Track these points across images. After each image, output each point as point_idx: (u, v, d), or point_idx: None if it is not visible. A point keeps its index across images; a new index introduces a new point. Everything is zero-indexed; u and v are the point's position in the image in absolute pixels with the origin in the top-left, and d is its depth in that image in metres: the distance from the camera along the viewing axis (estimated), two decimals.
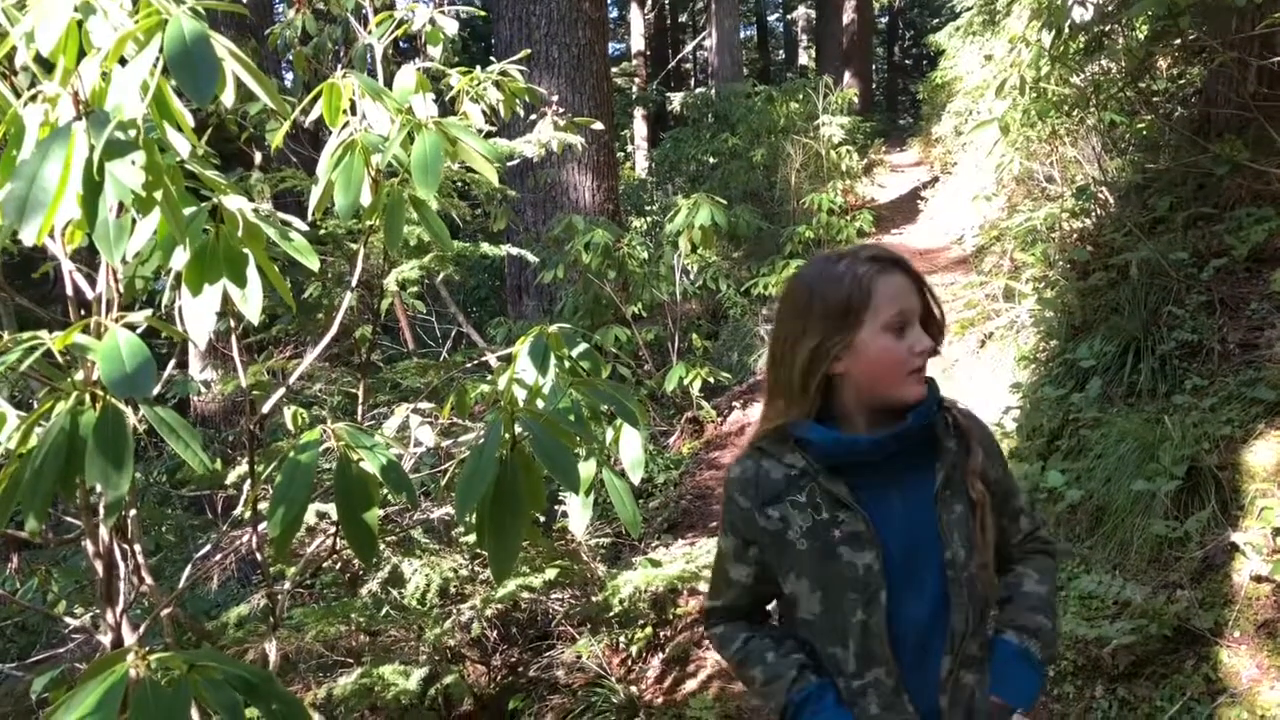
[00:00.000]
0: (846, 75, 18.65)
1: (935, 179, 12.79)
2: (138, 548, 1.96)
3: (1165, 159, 5.83)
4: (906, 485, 1.59)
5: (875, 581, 1.54)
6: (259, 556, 2.18)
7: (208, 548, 2.69)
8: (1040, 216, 6.46)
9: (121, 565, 1.91)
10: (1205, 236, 4.96)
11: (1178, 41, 5.87)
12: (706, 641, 4.32)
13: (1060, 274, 5.88)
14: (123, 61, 1.41)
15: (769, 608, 1.79)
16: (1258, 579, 3.34)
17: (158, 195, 1.37)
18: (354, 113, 1.90)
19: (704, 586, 4.46)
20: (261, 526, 2.13)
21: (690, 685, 4.06)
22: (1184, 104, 6.17)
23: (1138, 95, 6.09)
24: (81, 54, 1.49)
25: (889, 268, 1.56)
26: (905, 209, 12.23)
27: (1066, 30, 5.60)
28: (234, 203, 1.64)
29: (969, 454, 1.61)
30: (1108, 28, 5.89)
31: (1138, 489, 3.80)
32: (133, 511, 1.93)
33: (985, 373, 6.06)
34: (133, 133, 1.32)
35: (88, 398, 1.34)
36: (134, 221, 1.50)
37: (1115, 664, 3.37)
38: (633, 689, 3.95)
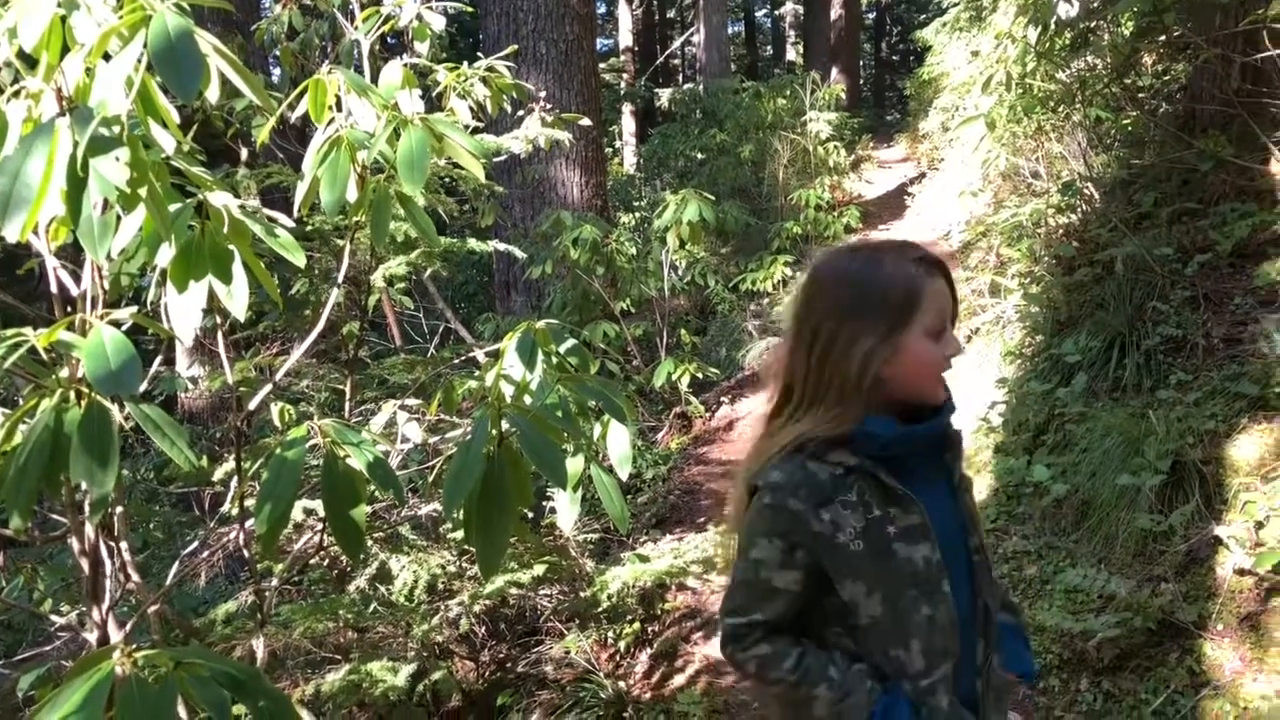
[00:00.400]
0: (834, 71, 18.65)
1: (922, 175, 12.80)
2: (124, 545, 1.95)
3: (1150, 155, 5.86)
4: (930, 479, 1.62)
5: (936, 572, 1.52)
6: (246, 553, 2.17)
7: (195, 545, 2.68)
8: (1026, 212, 6.48)
9: (108, 563, 1.91)
10: (1190, 232, 4.98)
11: (1163, 38, 5.89)
12: (695, 637, 4.33)
13: (1046, 269, 5.90)
14: (106, 57, 1.40)
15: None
16: (1240, 572, 3.36)
17: (142, 192, 1.37)
18: (340, 109, 1.90)
19: (693, 582, 4.48)
20: (249, 523, 2.12)
21: (678, 680, 4.06)
22: (1169, 100, 6.20)
23: (1123, 91, 6.11)
24: (65, 50, 1.48)
25: (934, 270, 1.54)
26: (892, 205, 12.25)
27: (1052, 26, 5.62)
28: (219, 199, 1.63)
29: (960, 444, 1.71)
30: (1093, 24, 5.91)
31: (1123, 483, 3.82)
32: (119, 509, 1.93)
33: (971, 368, 6.08)
34: (117, 129, 1.32)
35: (73, 395, 1.34)
36: (119, 218, 1.50)
37: (1100, 657, 3.39)
38: (621, 684, 3.96)
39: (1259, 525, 3.38)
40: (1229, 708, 3.02)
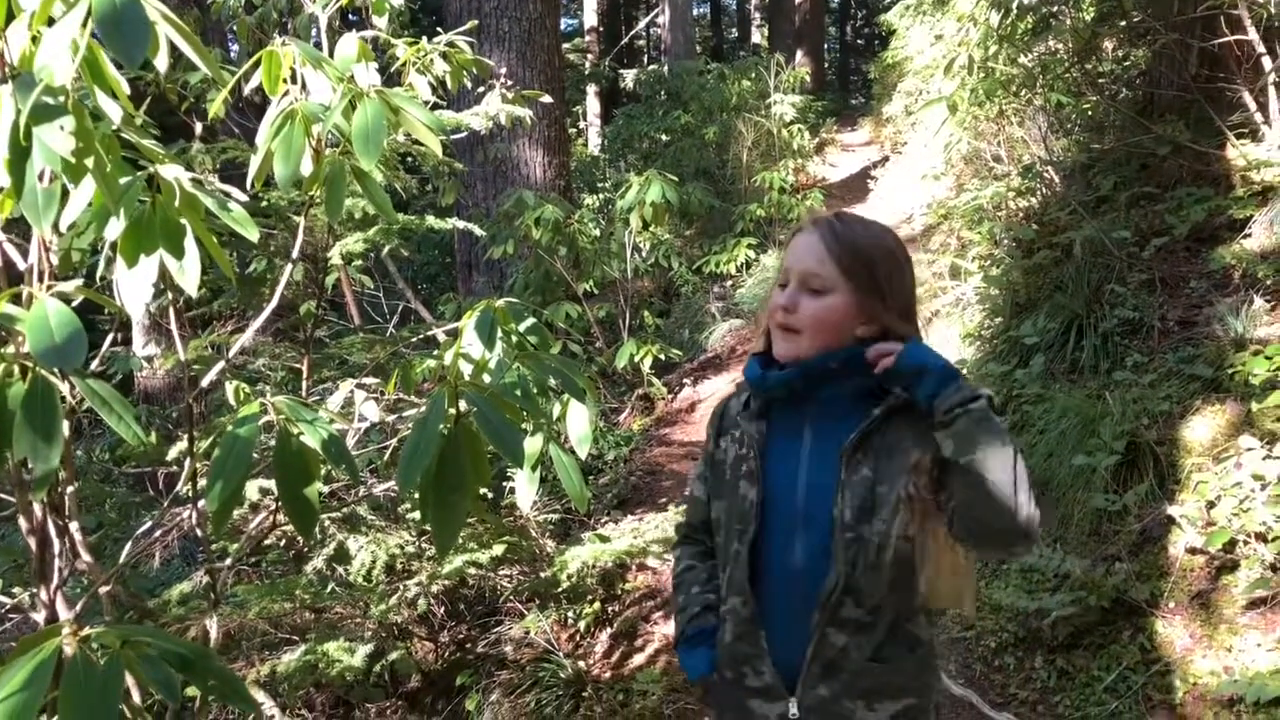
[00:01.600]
0: (799, 54, 18.67)
1: (885, 158, 12.86)
2: (74, 525, 1.92)
3: (1110, 139, 5.92)
4: (822, 436, 1.63)
5: (751, 515, 1.65)
6: (200, 533, 2.14)
7: (148, 525, 2.65)
8: (987, 195, 6.53)
9: (56, 542, 1.87)
10: (1147, 216, 5.05)
11: (1123, 23, 5.95)
12: (655, 616, 4.35)
13: (1006, 252, 5.95)
14: (51, 24, 1.37)
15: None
16: (1192, 551, 3.42)
17: (89, 162, 1.34)
18: (295, 81, 1.87)
19: (653, 562, 4.49)
20: (202, 503, 2.10)
21: (638, 660, 4.08)
22: (1129, 85, 6.26)
23: (1084, 76, 6.17)
24: (11, 17, 1.44)
25: (804, 230, 1.67)
26: (856, 188, 12.30)
27: (1014, 10, 5.65)
28: (171, 172, 1.60)
29: (904, 440, 1.59)
30: (1055, 8, 5.96)
31: (1079, 464, 3.87)
32: (70, 488, 1.89)
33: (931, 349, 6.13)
34: (61, 98, 1.28)
35: (16, 369, 1.31)
36: (65, 191, 1.47)
37: (1055, 635, 3.44)
38: (580, 664, 3.96)
39: (1210, 505, 3.44)
40: (1179, 684, 3.08)
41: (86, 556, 1.98)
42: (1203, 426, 3.76)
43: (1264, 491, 3.29)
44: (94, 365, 2.37)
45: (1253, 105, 4.85)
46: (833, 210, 1.75)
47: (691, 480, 1.91)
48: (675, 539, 1.97)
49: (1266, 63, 4.74)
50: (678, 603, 1.86)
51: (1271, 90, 4.78)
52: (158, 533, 2.68)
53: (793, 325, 1.61)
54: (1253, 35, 4.77)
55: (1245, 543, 3.27)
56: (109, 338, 2.34)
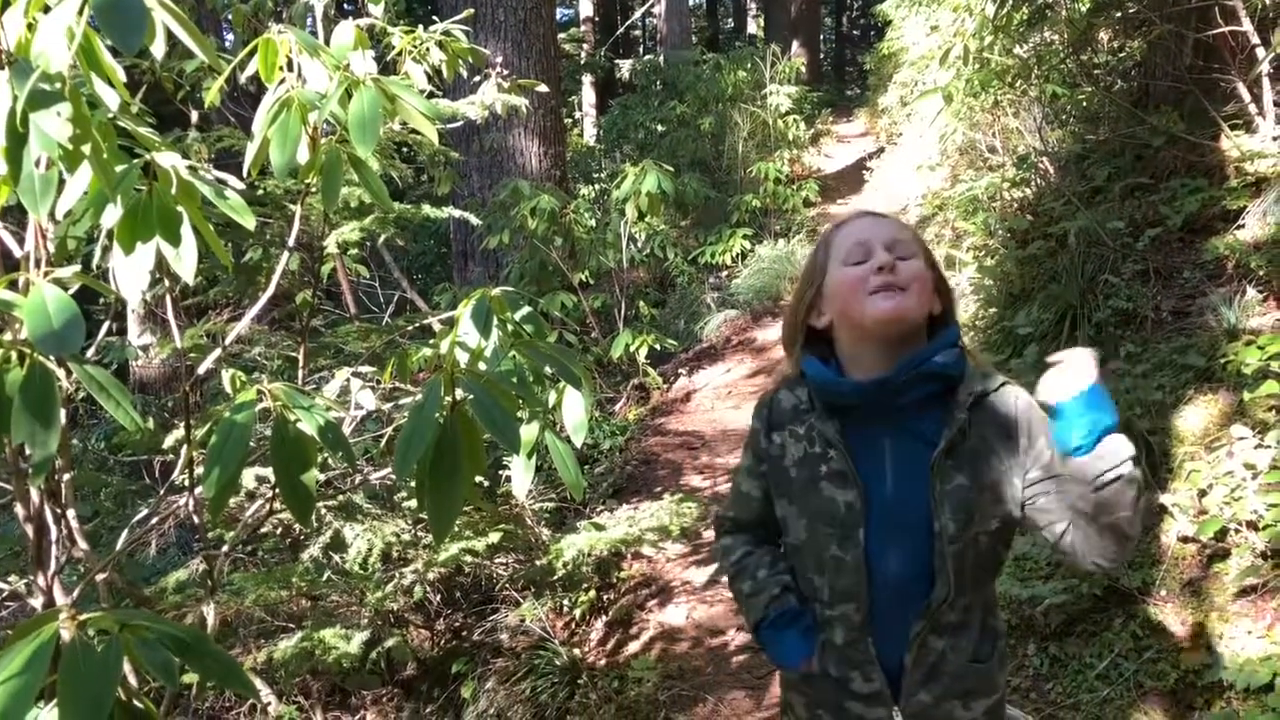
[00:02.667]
0: (794, 45, 18.64)
1: (881, 149, 12.87)
2: (71, 512, 1.93)
3: (1104, 130, 5.93)
4: (907, 438, 1.61)
5: (854, 520, 1.60)
6: (196, 519, 2.15)
7: (144, 513, 2.65)
8: (982, 186, 6.54)
9: (53, 529, 1.88)
10: (1141, 206, 5.06)
11: (1119, 14, 5.95)
12: (650, 604, 4.36)
13: (1000, 243, 5.96)
14: (47, 10, 1.37)
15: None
16: (1184, 539, 3.44)
17: (86, 149, 1.34)
18: (291, 69, 1.87)
19: (647, 550, 4.51)
20: (199, 489, 2.10)
21: (633, 647, 4.10)
22: (1124, 77, 6.27)
23: (1079, 67, 6.17)
24: (6, 4, 1.44)
25: (845, 222, 1.69)
26: (851, 179, 12.30)
27: (1010, 1, 5.65)
28: (168, 159, 1.60)
29: (989, 438, 1.59)
30: None
31: None
32: (67, 475, 1.90)
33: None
34: (58, 84, 1.29)
35: (14, 356, 1.31)
36: (62, 178, 1.47)
37: (1047, 623, 3.46)
38: (576, 651, 3.98)
39: (1202, 493, 3.46)
40: (1170, 671, 3.10)
41: (83, 544, 1.99)
42: (1195, 416, 3.78)
43: (1255, 480, 3.31)
44: (89, 355, 2.38)
45: (1247, 96, 4.86)
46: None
47: (739, 475, 1.86)
48: (723, 530, 1.92)
49: (1260, 53, 4.75)
50: (743, 589, 1.79)
51: (1265, 81, 4.79)
52: (154, 520, 2.68)
53: (898, 282, 1.57)
54: (1247, 26, 4.77)
55: (1236, 531, 3.29)
56: (104, 327, 2.34)
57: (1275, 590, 3.12)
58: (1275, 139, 4.73)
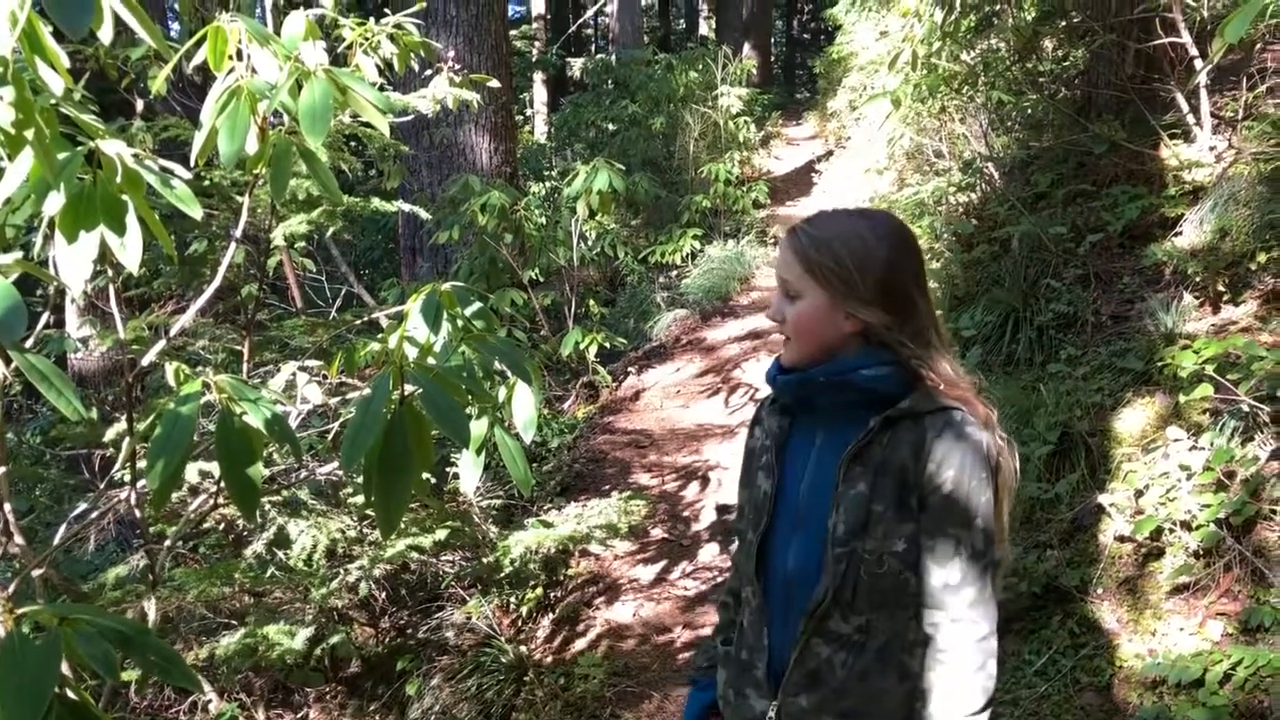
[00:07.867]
0: (746, 47, 18.73)
1: (830, 153, 12.98)
2: (7, 506, 1.89)
3: (1048, 137, 6.04)
4: (837, 441, 1.61)
5: (765, 506, 1.69)
6: (138, 513, 2.12)
7: (83, 507, 2.61)
8: (928, 190, 6.63)
9: None
10: (1083, 212, 5.16)
11: (1063, 23, 6.06)
12: (598, 602, 4.37)
13: (946, 246, 6.05)
14: None
15: None
16: (1121, 539, 3.51)
17: (29, 134, 1.32)
18: (241, 59, 1.85)
19: (595, 548, 4.51)
20: (141, 483, 2.07)
21: (579, 644, 4.10)
22: (1068, 85, 6.39)
23: (1024, 74, 6.28)
24: None
25: (784, 236, 1.68)
26: (800, 181, 12.40)
27: (958, 7, 5.73)
28: (112, 147, 1.58)
29: (901, 453, 1.56)
30: (997, 6, 6.05)
31: None
32: (2, 469, 1.86)
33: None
34: (1, 68, 1.26)
35: None
36: (1, 165, 1.44)
37: None
38: (522, 649, 3.97)
39: (1139, 494, 3.54)
40: (1106, 666, 3.17)
41: (19, 539, 1.95)
42: (1133, 418, 3.87)
43: (1189, 481, 3.39)
44: (27, 346, 2.33)
45: (1185, 107, 4.98)
46: (818, 210, 1.74)
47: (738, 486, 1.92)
48: (725, 546, 2.00)
49: (1199, 65, 4.87)
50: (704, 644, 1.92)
51: (1203, 93, 4.91)
52: (94, 515, 2.63)
53: (784, 333, 1.65)
54: (1186, 38, 4.89)
55: (1171, 530, 3.37)
56: (42, 318, 2.30)
57: (1207, 588, 3.20)
58: (1212, 149, 4.85)
